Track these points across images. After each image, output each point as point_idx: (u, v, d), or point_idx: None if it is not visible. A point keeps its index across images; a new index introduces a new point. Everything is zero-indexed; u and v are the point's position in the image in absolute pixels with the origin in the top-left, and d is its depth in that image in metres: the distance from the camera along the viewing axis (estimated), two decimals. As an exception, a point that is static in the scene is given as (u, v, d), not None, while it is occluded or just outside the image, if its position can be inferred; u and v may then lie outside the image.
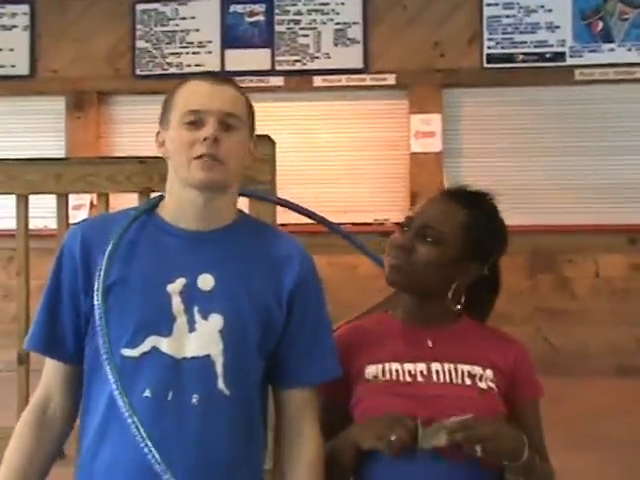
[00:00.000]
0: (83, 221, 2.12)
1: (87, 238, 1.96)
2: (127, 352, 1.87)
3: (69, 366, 1.99)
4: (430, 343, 2.05)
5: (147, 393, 1.85)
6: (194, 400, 1.85)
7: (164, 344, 1.86)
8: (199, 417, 1.84)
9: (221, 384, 1.87)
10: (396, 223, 2.19)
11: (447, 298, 2.06)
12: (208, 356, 1.88)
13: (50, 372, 2.01)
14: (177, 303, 1.89)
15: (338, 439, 1.99)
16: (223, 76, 2.01)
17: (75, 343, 1.96)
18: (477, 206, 2.10)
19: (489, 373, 2.02)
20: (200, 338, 1.88)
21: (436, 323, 2.08)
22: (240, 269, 1.94)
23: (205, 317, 1.89)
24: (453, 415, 1.88)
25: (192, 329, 1.88)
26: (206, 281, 1.91)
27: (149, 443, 1.73)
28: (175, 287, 1.89)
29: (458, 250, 2.04)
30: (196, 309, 1.89)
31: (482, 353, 2.05)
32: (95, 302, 1.86)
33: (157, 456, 1.73)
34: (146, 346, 1.87)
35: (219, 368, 1.87)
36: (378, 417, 1.89)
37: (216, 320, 1.89)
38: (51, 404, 2.00)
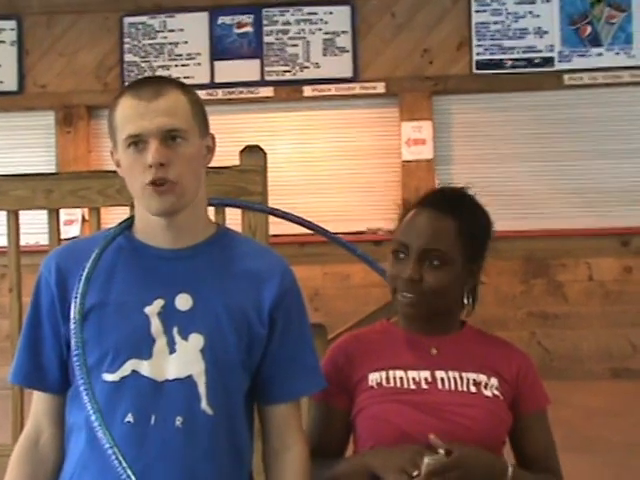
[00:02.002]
0: (57, 249, 2.07)
1: (62, 266, 1.93)
2: (108, 377, 1.84)
3: (56, 396, 1.96)
4: (434, 351, 2.05)
5: (129, 418, 1.82)
6: (178, 422, 1.82)
7: (144, 367, 1.84)
8: (184, 439, 1.81)
9: (204, 404, 1.85)
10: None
11: (458, 308, 2.07)
12: (190, 377, 1.85)
13: (38, 404, 1.99)
14: (156, 325, 1.86)
15: (349, 464, 1.98)
16: (159, 81, 1.92)
17: (60, 372, 1.94)
18: (463, 209, 2.06)
19: (494, 381, 2.01)
20: (181, 359, 1.85)
21: (440, 332, 2.07)
22: (219, 286, 1.92)
23: (185, 337, 1.86)
24: (460, 424, 1.90)
25: (172, 350, 1.86)
26: (184, 301, 1.89)
27: (130, 474, 1.69)
28: (153, 309, 1.87)
29: (461, 261, 2.02)
30: (175, 330, 1.86)
31: (486, 361, 2.04)
32: (71, 327, 1.83)
33: None
34: (126, 370, 1.84)
35: (202, 388, 1.85)
36: (397, 448, 1.87)
37: (196, 340, 1.87)
38: (42, 436, 1.97)
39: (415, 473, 1.79)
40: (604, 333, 7.60)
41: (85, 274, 1.86)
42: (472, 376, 2.00)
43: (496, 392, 1.99)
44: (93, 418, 1.74)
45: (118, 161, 1.94)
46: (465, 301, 2.08)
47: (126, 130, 1.86)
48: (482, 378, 2.00)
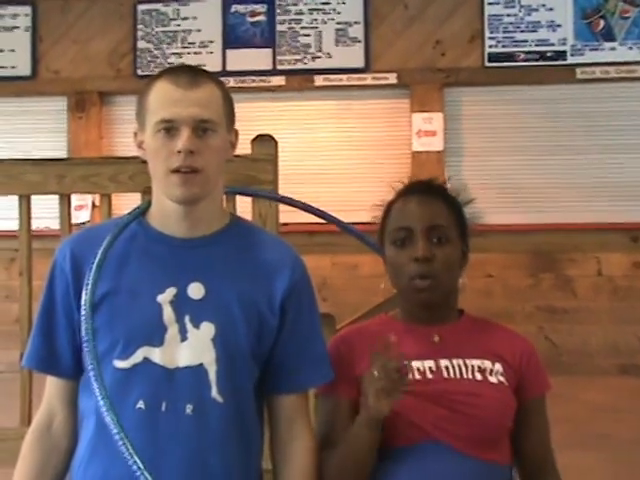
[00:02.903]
0: (72, 235, 2.09)
1: (76, 252, 1.94)
2: (119, 364, 1.85)
3: (69, 381, 1.97)
4: (437, 338, 2.05)
5: (140, 404, 1.83)
6: (188, 410, 1.83)
7: (156, 354, 1.85)
8: (194, 427, 1.82)
9: (215, 392, 1.86)
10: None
11: (456, 293, 2.07)
12: (201, 365, 1.86)
13: (51, 389, 2.00)
14: (168, 313, 1.87)
15: (347, 435, 1.98)
16: (196, 72, 1.94)
17: (73, 358, 1.94)
18: (445, 193, 2.10)
19: (498, 367, 2.00)
20: (192, 347, 1.86)
21: (441, 321, 2.07)
22: (231, 275, 1.93)
23: (197, 326, 1.87)
24: (467, 412, 1.91)
25: (184, 338, 1.87)
26: (196, 290, 1.90)
27: (138, 461, 1.71)
28: (165, 297, 1.88)
29: (457, 239, 2.05)
30: (187, 318, 1.87)
31: (489, 347, 2.04)
32: (82, 314, 1.85)
33: (147, 475, 1.71)
34: (138, 357, 1.85)
35: (212, 376, 1.86)
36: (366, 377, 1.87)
37: (208, 328, 1.88)
38: (55, 420, 1.98)
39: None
40: (612, 329, 7.59)
41: (97, 261, 1.87)
42: (476, 362, 2.00)
43: (501, 378, 1.99)
44: (101, 403, 1.76)
45: (142, 142, 1.95)
46: (461, 282, 2.08)
47: (160, 114, 1.87)
48: (487, 364, 2.00)
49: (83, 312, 1.84)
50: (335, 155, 8.06)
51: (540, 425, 2.08)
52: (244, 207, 2.93)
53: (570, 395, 6.39)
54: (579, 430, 5.48)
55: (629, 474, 4.76)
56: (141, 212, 2.01)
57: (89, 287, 1.86)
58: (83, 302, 1.85)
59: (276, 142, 3.04)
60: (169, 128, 1.86)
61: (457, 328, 2.08)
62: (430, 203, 2.05)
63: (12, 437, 2.51)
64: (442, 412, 1.91)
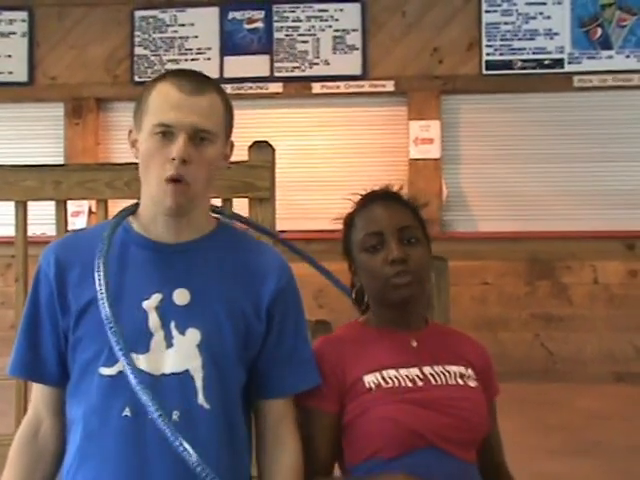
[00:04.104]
0: (56, 241, 2.07)
1: (61, 258, 1.94)
2: (105, 371, 1.85)
3: (55, 388, 1.97)
4: (415, 343, 2.06)
5: (127, 412, 1.83)
6: (175, 416, 1.83)
7: (141, 361, 1.84)
8: (181, 433, 1.79)
9: (201, 399, 1.86)
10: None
11: (427, 294, 2.11)
12: (187, 371, 1.86)
13: (37, 396, 2.00)
14: (154, 319, 1.87)
15: None
16: (200, 78, 1.92)
17: (58, 365, 1.94)
18: (404, 199, 2.15)
19: (471, 372, 2.06)
20: (178, 353, 1.86)
21: (413, 327, 2.10)
22: (216, 281, 1.93)
23: (182, 332, 1.87)
24: (461, 416, 1.94)
25: (169, 345, 1.86)
26: (182, 296, 1.89)
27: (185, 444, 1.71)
28: (151, 303, 1.88)
29: (426, 241, 2.10)
30: (173, 324, 1.87)
31: (460, 353, 2.09)
32: (100, 303, 1.82)
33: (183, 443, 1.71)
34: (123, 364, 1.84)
35: (199, 383, 1.86)
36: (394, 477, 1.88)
37: (193, 334, 1.87)
38: (42, 426, 1.99)
39: None
40: (608, 336, 7.59)
41: (103, 255, 1.86)
42: (454, 368, 2.04)
43: (476, 382, 2.05)
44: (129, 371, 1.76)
45: (135, 142, 1.94)
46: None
47: (159, 117, 1.86)
48: (462, 370, 2.05)
49: (100, 301, 1.82)
50: (332, 162, 8.06)
51: (496, 426, 2.16)
52: (241, 212, 2.93)
53: (565, 402, 6.40)
54: (574, 437, 5.49)
55: (625, 482, 4.76)
56: (127, 215, 2.00)
57: (101, 273, 1.84)
58: (98, 288, 1.83)
59: (273, 149, 3.04)
60: (165, 132, 1.85)
61: (428, 334, 2.11)
62: (394, 207, 2.09)
63: (6, 443, 2.50)
64: (439, 418, 1.93)
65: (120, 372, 1.84)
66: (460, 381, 2.02)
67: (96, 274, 1.85)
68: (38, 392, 2.00)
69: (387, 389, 1.99)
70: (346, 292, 2.34)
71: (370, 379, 2.00)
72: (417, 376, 2.01)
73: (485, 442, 2.07)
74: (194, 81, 1.90)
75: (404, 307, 2.06)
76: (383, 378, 2.00)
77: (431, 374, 2.01)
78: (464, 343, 2.14)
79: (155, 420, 1.72)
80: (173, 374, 1.85)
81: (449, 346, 2.10)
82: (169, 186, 1.84)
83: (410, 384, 1.99)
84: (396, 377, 2.00)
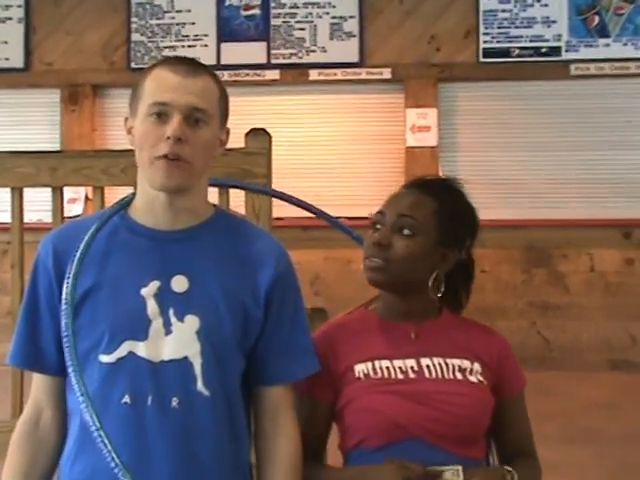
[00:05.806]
0: (54, 230, 2.07)
1: (59, 248, 1.94)
2: (104, 358, 1.85)
3: (56, 378, 1.97)
4: (413, 336, 2.05)
5: (126, 399, 1.84)
6: (174, 403, 1.83)
7: (140, 348, 1.85)
8: (180, 420, 1.82)
9: (200, 385, 1.86)
10: (365, 217, 2.18)
11: (428, 290, 2.05)
12: (186, 358, 1.86)
13: (38, 385, 2.00)
14: (152, 306, 1.87)
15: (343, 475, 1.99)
16: (195, 64, 1.93)
17: (58, 354, 1.93)
18: (444, 192, 2.10)
19: (477, 366, 2.02)
20: (177, 340, 1.86)
21: (418, 318, 2.07)
22: (214, 268, 1.92)
23: (181, 319, 1.87)
24: (451, 412, 1.92)
25: (168, 332, 1.86)
26: (180, 283, 1.89)
27: (115, 457, 1.69)
28: (149, 290, 1.88)
29: (433, 238, 2.03)
30: (171, 311, 1.87)
31: (468, 347, 2.05)
32: (62, 309, 1.83)
33: (126, 473, 1.69)
34: (122, 351, 1.85)
35: (198, 369, 1.86)
36: (382, 467, 1.87)
37: (192, 321, 1.87)
38: (42, 416, 1.98)
39: None
40: (604, 325, 7.60)
41: (78, 255, 1.86)
42: (456, 362, 2.02)
43: (480, 377, 2.01)
44: (80, 400, 1.74)
45: (131, 128, 1.93)
46: (430, 284, 2.07)
47: (154, 97, 1.86)
48: (466, 364, 2.02)
49: (64, 307, 1.83)
50: (329, 150, 8.05)
51: (522, 419, 2.11)
52: (237, 201, 2.93)
53: (562, 390, 6.42)
54: (571, 425, 5.51)
55: (620, 469, 4.77)
56: (124, 205, 2.00)
57: (70, 281, 1.84)
58: (64, 296, 1.83)
59: (270, 136, 3.04)
60: (160, 113, 1.84)
61: (436, 325, 2.09)
62: (418, 197, 2.06)
63: (3, 429, 2.51)
64: (426, 412, 1.93)
65: (119, 359, 1.84)
66: (459, 375, 2.00)
67: (65, 280, 1.85)
68: (39, 382, 2.00)
69: (375, 379, 1.98)
70: (359, 242, 2.38)
71: (361, 368, 2.00)
72: (411, 368, 2.00)
73: (506, 437, 2.07)
74: (189, 65, 1.90)
75: (391, 294, 2.07)
76: (374, 369, 2.00)
77: (427, 366, 2.00)
78: (477, 337, 2.10)
79: (95, 439, 1.72)
80: (172, 361, 1.85)
81: (457, 339, 2.06)
82: (163, 162, 1.84)
83: (401, 376, 1.99)
84: (387, 368, 1.99)
